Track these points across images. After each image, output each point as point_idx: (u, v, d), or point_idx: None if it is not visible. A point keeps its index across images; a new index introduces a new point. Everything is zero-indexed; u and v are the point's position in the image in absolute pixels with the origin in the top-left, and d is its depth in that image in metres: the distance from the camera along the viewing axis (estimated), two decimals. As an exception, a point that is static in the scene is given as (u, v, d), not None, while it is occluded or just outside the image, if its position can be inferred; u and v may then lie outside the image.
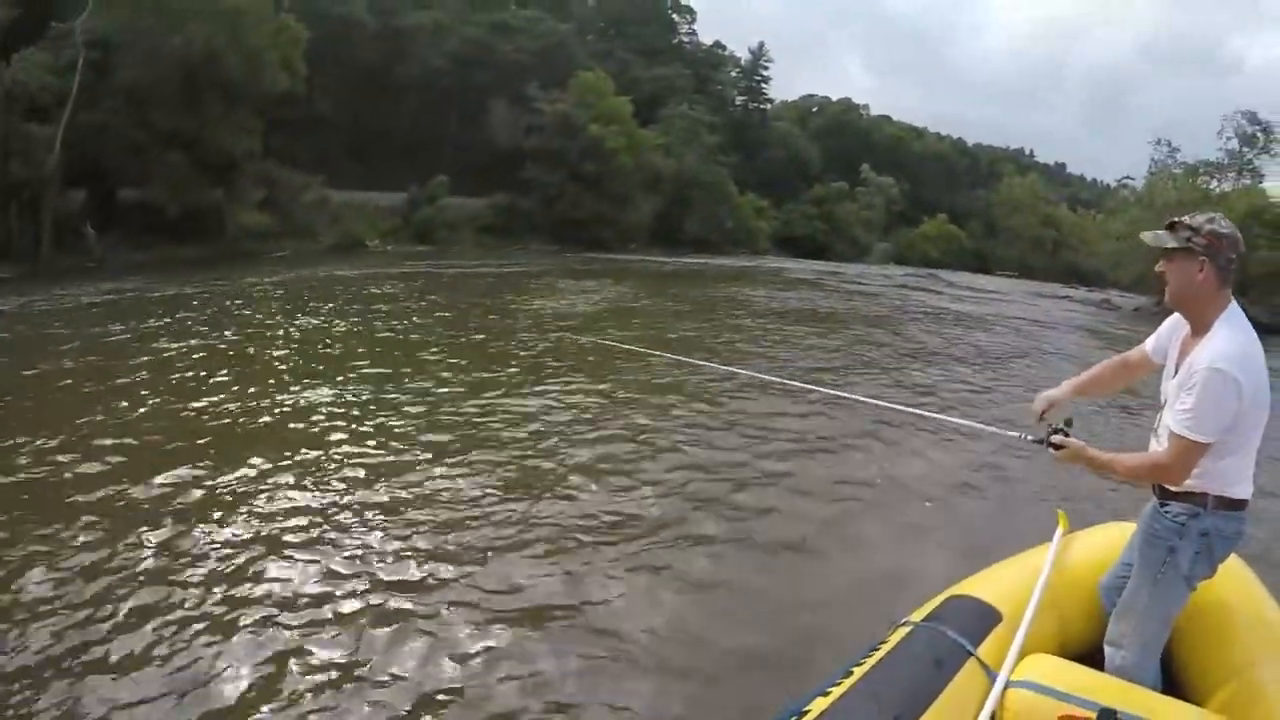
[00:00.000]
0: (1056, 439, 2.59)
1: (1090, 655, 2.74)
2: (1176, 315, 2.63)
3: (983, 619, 2.70)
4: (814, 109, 70.69)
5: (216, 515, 4.74)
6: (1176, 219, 2.48)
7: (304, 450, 6.00)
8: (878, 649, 2.61)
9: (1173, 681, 2.75)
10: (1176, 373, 2.50)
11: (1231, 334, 2.37)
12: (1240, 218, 30.01)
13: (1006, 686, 2.39)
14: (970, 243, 60.23)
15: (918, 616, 2.78)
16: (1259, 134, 33.35)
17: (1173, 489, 2.49)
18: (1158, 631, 2.59)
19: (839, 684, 2.40)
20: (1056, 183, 78.12)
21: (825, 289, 25.10)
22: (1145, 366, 2.81)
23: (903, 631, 2.69)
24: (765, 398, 8.02)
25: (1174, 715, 2.30)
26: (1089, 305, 29.27)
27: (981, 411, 8.65)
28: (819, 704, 2.29)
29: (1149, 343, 2.78)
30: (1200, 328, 2.46)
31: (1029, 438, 2.75)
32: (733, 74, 60.21)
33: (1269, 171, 33.15)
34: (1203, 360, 2.30)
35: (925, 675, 2.42)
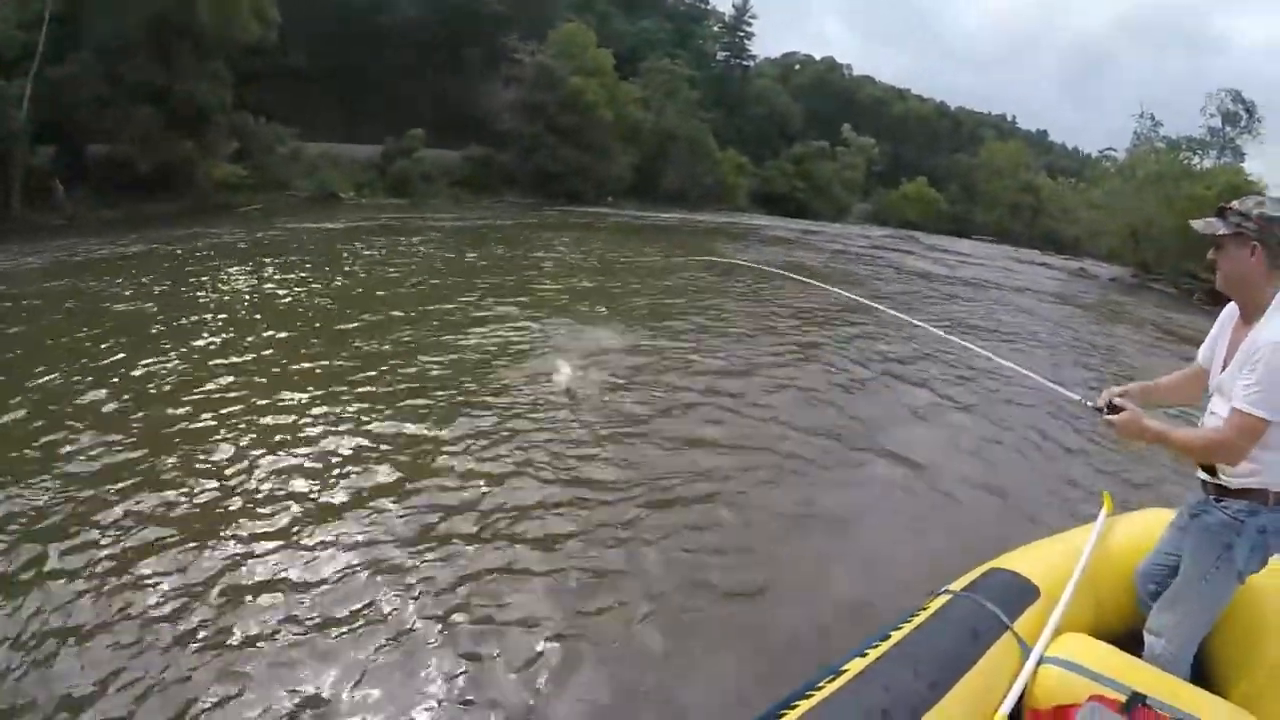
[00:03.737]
0: (1118, 402, 2.56)
1: (1123, 638, 2.75)
2: (1221, 317, 2.66)
3: (1021, 594, 2.73)
4: (796, 67, 70.34)
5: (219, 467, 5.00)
6: (1225, 204, 2.51)
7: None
8: (916, 615, 2.65)
9: (1201, 671, 2.74)
10: (1225, 365, 2.52)
11: None
12: (1219, 194, 30.55)
13: (1040, 662, 2.42)
14: (949, 206, 60.56)
15: (957, 586, 2.81)
16: (1242, 112, 33.70)
17: (1233, 486, 2.47)
18: (1203, 625, 2.60)
19: (876, 646, 2.44)
20: (1037, 150, 78.11)
21: (810, 248, 25.55)
22: (1204, 377, 2.75)
23: (942, 600, 2.72)
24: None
25: (1203, 707, 2.30)
26: (1065, 273, 29.66)
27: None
28: (856, 664, 2.34)
29: (1200, 353, 2.78)
30: (1253, 311, 2.46)
31: (1088, 403, 2.72)
32: (715, 29, 59.66)
33: (1250, 151, 33.63)
34: (1266, 338, 2.29)
35: (961, 644, 2.45)
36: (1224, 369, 2.52)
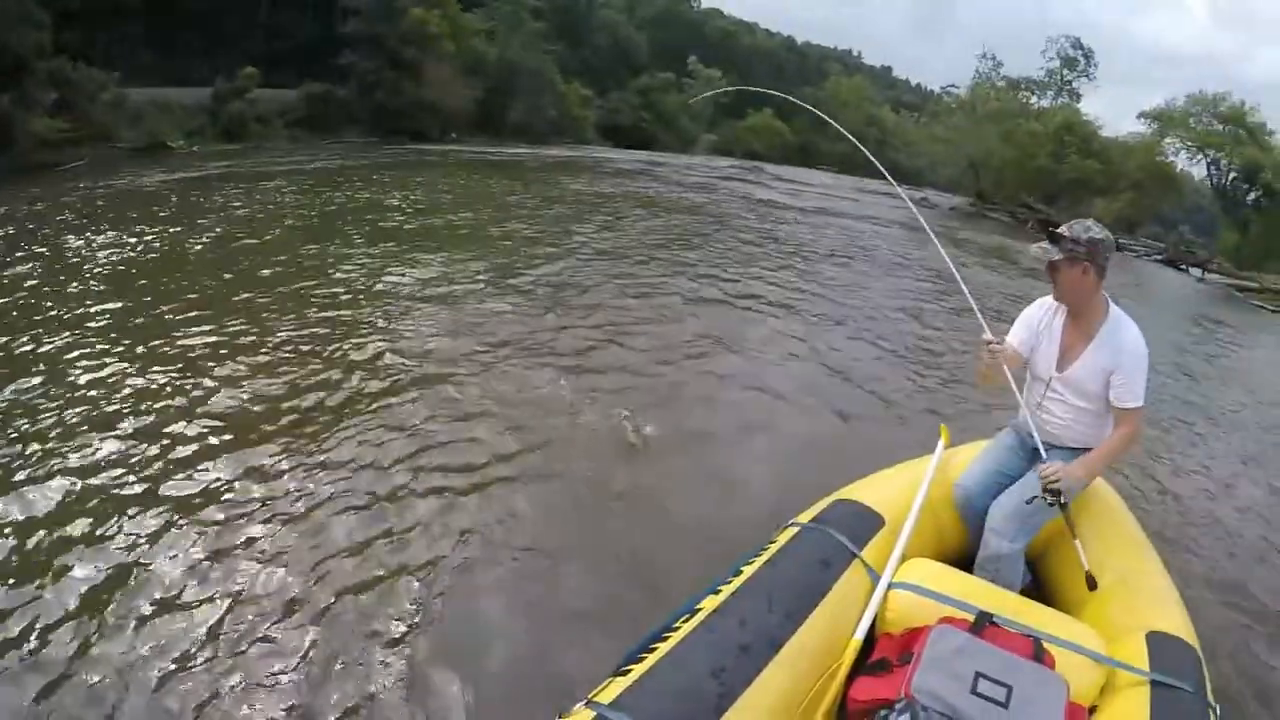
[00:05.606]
0: (1047, 469, 2.77)
1: (963, 560, 2.91)
2: (1035, 314, 3.03)
3: (867, 523, 2.76)
4: (643, -2, 70.35)
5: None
6: (1058, 231, 2.77)
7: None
8: (766, 549, 2.64)
9: (1043, 588, 3.01)
10: (1063, 360, 2.90)
11: (1127, 318, 2.81)
12: (1056, 130, 33.80)
13: (890, 588, 2.49)
14: (794, 138, 62.83)
15: (805, 518, 2.82)
16: (1080, 58, 36.89)
17: (1068, 444, 2.95)
18: (1038, 525, 2.87)
19: (729, 582, 2.43)
20: (881, 84, 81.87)
21: (658, 179, 26.47)
22: (1015, 360, 3.06)
23: (790, 532, 2.72)
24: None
25: (1044, 620, 2.42)
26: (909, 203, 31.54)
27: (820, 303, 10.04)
28: (710, 602, 2.32)
29: (1013, 340, 3.08)
30: (1090, 317, 2.83)
31: (1043, 492, 2.77)
32: (559, -41, 58.82)
33: (1085, 92, 37.18)
34: (1129, 343, 2.74)
35: (813, 574, 2.46)
36: (1062, 362, 2.91)
